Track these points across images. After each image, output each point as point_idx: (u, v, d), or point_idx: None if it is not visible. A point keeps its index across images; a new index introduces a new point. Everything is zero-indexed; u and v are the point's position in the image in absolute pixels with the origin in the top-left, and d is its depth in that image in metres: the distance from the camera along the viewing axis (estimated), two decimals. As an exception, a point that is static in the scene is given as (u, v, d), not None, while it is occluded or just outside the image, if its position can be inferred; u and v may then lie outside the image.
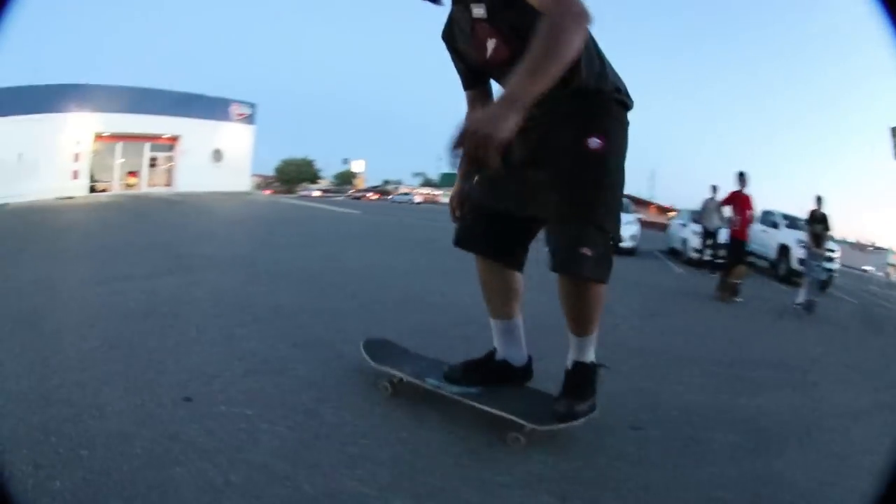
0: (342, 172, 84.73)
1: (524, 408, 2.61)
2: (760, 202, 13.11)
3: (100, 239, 11.07)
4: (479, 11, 2.30)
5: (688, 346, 5.68)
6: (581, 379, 2.61)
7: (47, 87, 29.52)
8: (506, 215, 2.59)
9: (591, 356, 2.64)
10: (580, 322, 2.55)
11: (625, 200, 18.07)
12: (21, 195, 23.95)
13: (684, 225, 16.99)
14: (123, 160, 34.85)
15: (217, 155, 38.37)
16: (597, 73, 2.38)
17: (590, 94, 2.38)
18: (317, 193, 61.09)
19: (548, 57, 1.86)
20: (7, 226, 13.32)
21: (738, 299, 8.75)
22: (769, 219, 16.19)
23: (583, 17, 1.94)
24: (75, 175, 30.26)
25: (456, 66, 2.68)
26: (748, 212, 9.79)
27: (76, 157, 30.35)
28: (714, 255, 13.37)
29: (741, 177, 9.70)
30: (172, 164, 37.48)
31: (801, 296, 8.95)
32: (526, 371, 2.94)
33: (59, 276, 6.42)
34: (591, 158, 2.33)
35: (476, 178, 2.75)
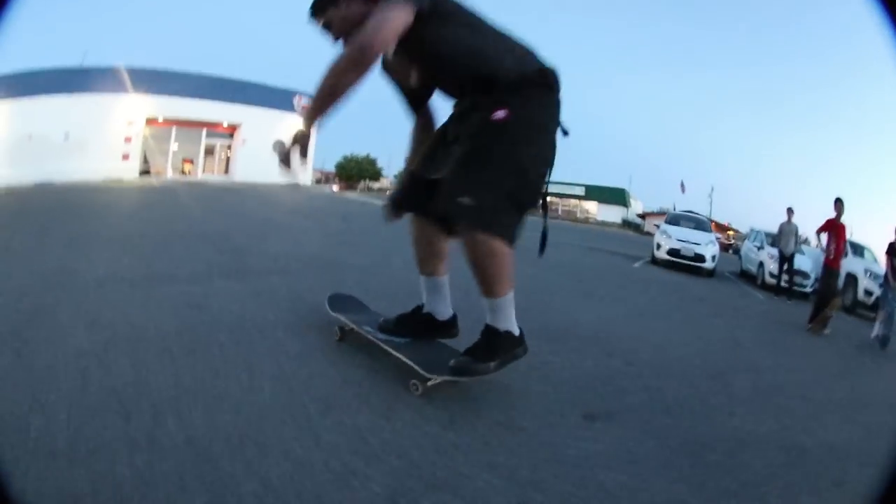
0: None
1: (432, 360, 2.82)
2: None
3: (141, 224, 9.46)
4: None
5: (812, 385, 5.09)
6: (486, 342, 2.73)
7: (97, 68, 29.06)
8: (437, 181, 2.68)
9: (505, 324, 2.72)
10: (483, 281, 2.63)
11: (704, 219, 19.48)
12: (67, 174, 23.45)
13: (760, 247, 16.26)
14: (178, 146, 34.09)
15: (278, 145, 36.75)
16: (497, 70, 2.60)
17: (498, 86, 2.58)
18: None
19: (326, 85, 2.52)
20: (43, 203, 11.97)
21: (826, 332, 8.39)
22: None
23: (365, 52, 2.47)
24: (126, 157, 29.62)
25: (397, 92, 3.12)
26: (843, 241, 9.47)
27: (127, 140, 29.73)
28: (790, 282, 13.04)
29: (838, 203, 9.35)
30: (230, 152, 36.65)
31: (877, 329, 8.41)
32: (450, 325, 3.17)
33: (80, 271, 4.71)
34: (492, 126, 2.53)
35: (417, 155, 3.01)
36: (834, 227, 9.34)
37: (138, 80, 29.63)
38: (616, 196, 71.92)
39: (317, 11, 2.77)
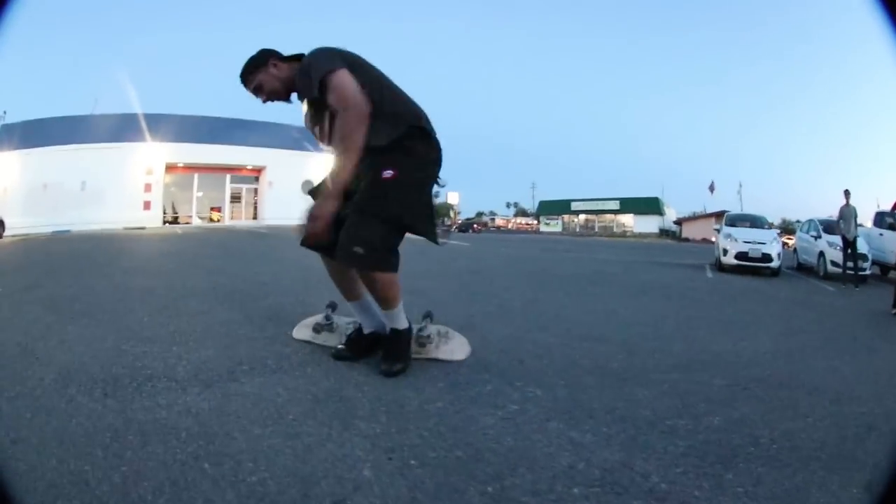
0: (438, 205, 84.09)
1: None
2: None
3: (148, 274, 7.63)
4: (304, 108, 3.20)
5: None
6: (396, 343, 3.25)
7: (111, 116, 28.94)
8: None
9: (401, 323, 3.25)
10: (380, 300, 3.18)
11: (758, 216, 18.03)
12: (87, 223, 22.98)
13: (817, 237, 15.48)
14: (202, 193, 33.23)
15: (307, 185, 36.18)
16: (387, 132, 3.00)
17: (386, 145, 2.99)
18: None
19: (344, 151, 2.88)
20: (51, 250, 11.49)
21: None
22: (886, 221, 15.15)
23: (359, 111, 2.86)
24: (147, 206, 29.06)
25: None
26: None
27: (147, 188, 29.25)
28: (854, 268, 12.55)
29: None
30: (257, 196, 35.86)
31: None
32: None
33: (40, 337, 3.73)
34: (382, 184, 2.97)
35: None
36: None
37: (154, 126, 29.20)
38: (651, 206, 71.51)
39: (247, 77, 3.17)
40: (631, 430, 2.53)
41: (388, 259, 3.08)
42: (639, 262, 17.91)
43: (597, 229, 72.71)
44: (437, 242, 3.38)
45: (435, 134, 3.23)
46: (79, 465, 1.92)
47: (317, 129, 3.18)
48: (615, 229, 71.88)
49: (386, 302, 3.16)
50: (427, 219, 3.26)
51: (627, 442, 2.39)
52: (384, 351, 3.25)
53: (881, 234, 14.85)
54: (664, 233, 68.26)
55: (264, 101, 3.18)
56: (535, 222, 73.72)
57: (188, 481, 1.85)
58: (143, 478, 1.85)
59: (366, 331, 3.45)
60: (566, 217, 77.93)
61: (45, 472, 1.89)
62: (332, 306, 3.82)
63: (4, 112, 28.64)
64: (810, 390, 3.48)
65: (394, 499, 1.86)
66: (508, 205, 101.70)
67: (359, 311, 3.46)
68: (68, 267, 8.19)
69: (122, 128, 28.13)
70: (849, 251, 12.58)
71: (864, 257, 13.15)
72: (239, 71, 3.16)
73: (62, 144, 25.91)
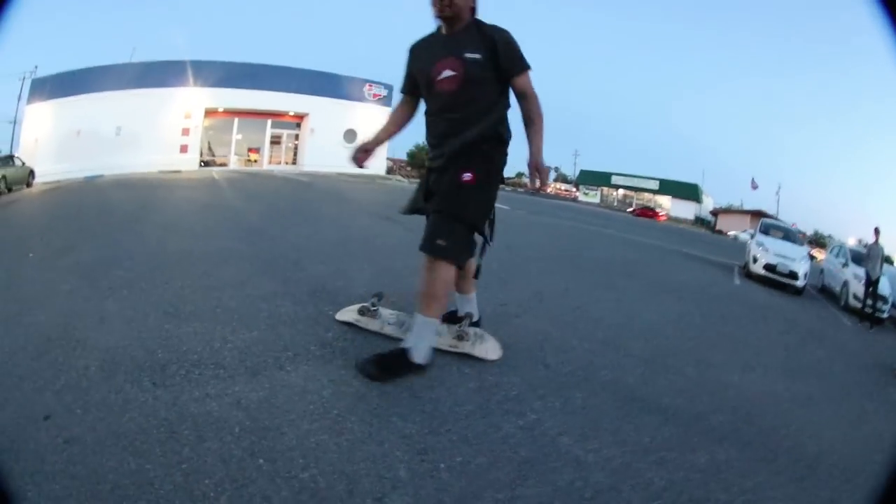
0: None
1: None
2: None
3: (182, 234, 7.44)
4: (474, 56, 3.28)
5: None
6: (394, 361, 3.22)
7: (149, 63, 28.95)
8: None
9: (417, 355, 3.24)
10: (426, 296, 3.28)
11: (792, 229, 18.74)
12: (120, 167, 23.26)
13: (845, 264, 15.51)
14: (241, 136, 33.42)
15: (350, 135, 35.61)
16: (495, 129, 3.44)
17: (472, 142, 3.36)
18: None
19: (542, 129, 3.32)
20: (83, 202, 10.92)
21: None
22: None
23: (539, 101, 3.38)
24: (184, 149, 29.30)
25: (405, 75, 3.64)
26: None
27: (185, 132, 29.44)
28: (873, 307, 12.44)
29: None
30: (297, 142, 35.98)
31: None
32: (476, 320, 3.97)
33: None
34: (461, 186, 3.28)
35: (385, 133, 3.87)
36: None
37: (195, 72, 29.38)
38: (689, 191, 70.76)
39: None
40: (628, 455, 2.78)
41: (466, 251, 3.41)
42: (671, 251, 18.02)
43: (634, 206, 71.26)
44: (489, 243, 3.63)
45: (510, 141, 3.53)
46: (139, 463, 2.04)
47: (431, 65, 3.38)
48: (656, 208, 70.74)
49: (431, 301, 3.28)
50: (490, 223, 3.57)
51: (622, 468, 2.65)
52: (381, 354, 3.27)
53: None
54: (699, 221, 67.60)
55: (438, 14, 3.31)
56: (575, 190, 72.85)
57: (246, 478, 2.03)
58: (204, 475, 2.01)
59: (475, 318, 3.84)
60: (605, 189, 76.93)
61: (105, 473, 1.98)
62: (379, 296, 3.95)
63: (36, 67, 29.05)
64: (794, 445, 3.63)
65: (424, 499, 2.09)
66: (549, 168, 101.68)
67: (463, 303, 3.86)
68: (100, 223, 8.18)
69: (160, 74, 28.31)
70: (870, 289, 12.63)
71: (884, 300, 13.12)
72: None
73: (97, 92, 26.07)
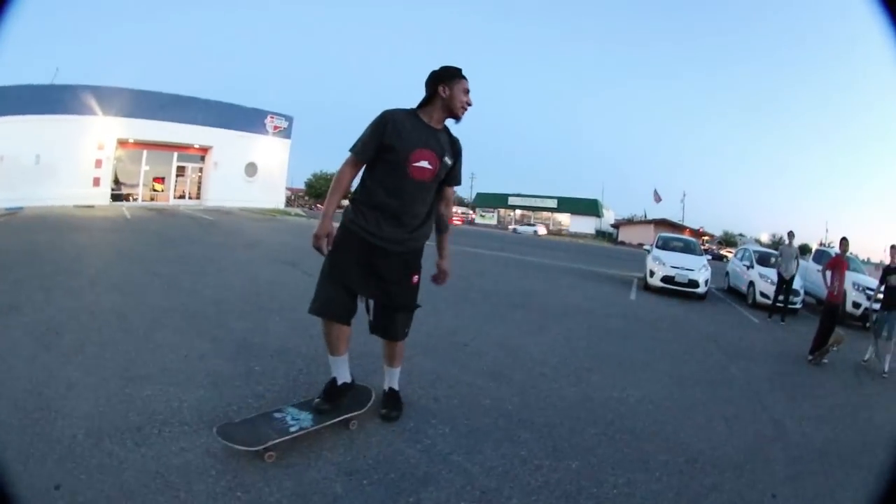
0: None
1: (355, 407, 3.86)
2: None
3: (113, 289, 7.64)
4: (448, 161, 3.67)
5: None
6: (397, 398, 4.08)
7: (69, 87, 27.49)
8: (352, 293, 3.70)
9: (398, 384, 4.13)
10: (398, 357, 4.03)
11: (693, 241, 18.90)
12: (39, 199, 22.42)
13: (750, 266, 16.28)
14: (148, 167, 32.53)
15: (251, 168, 35.94)
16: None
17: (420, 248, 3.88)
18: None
19: (448, 228, 4.03)
20: (8, 245, 11.10)
21: (825, 361, 8.61)
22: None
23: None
24: (96, 182, 28.15)
25: (370, 139, 3.54)
26: (844, 277, 9.70)
27: (98, 163, 28.28)
28: (785, 302, 13.16)
29: (843, 242, 10.07)
30: (201, 174, 35.20)
31: (870, 353, 9.08)
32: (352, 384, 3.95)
33: None
34: (414, 287, 3.85)
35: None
36: (838, 265, 9.55)
37: (109, 99, 28.19)
38: (589, 207, 71.94)
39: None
40: (508, 464, 3.51)
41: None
42: (567, 270, 18.51)
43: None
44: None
45: None
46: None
47: (409, 151, 3.55)
48: (551, 227, 72.06)
49: (401, 358, 4.04)
50: None
51: (503, 474, 3.38)
52: (391, 401, 4.02)
53: (818, 271, 14.92)
54: (600, 234, 69.18)
55: (459, 116, 3.68)
56: (472, 213, 73.50)
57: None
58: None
59: (340, 381, 3.80)
60: (502, 210, 77.71)
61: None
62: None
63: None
64: (672, 446, 4.15)
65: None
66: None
67: (338, 364, 3.80)
68: (35, 275, 8.04)
69: (78, 100, 26.99)
70: (783, 286, 13.18)
71: (795, 292, 13.77)
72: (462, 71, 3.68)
73: (19, 115, 24.65)
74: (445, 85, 3.59)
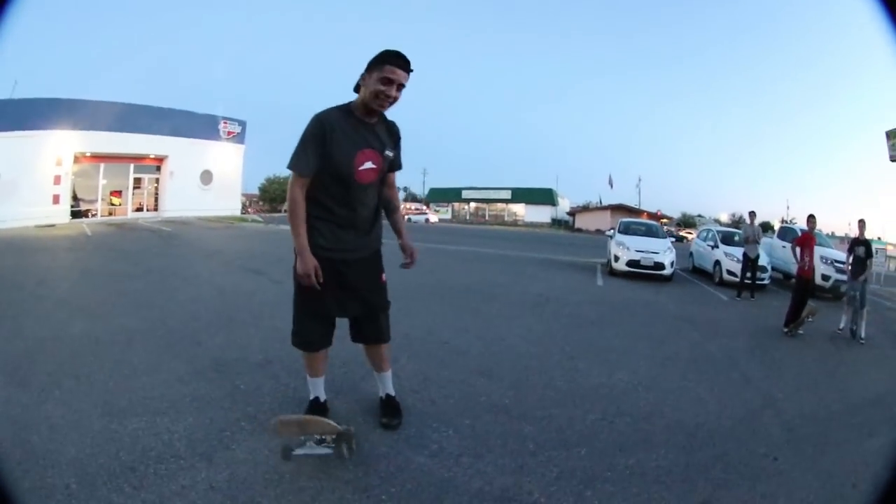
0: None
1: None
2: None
3: (81, 312, 7.27)
4: (389, 154, 3.41)
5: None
6: (396, 405, 3.89)
7: (26, 101, 26.12)
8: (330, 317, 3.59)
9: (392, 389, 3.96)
10: (387, 361, 3.86)
11: (654, 225, 19.00)
12: (1, 219, 21.48)
13: (714, 246, 16.28)
14: (106, 182, 31.28)
15: (206, 176, 34.84)
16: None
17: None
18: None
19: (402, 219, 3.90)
20: None
21: (800, 332, 8.84)
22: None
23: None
24: (56, 200, 26.88)
25: (312, 151, 3.17)
26: (813, 252, 9.87)
27: (56, 180, 26.98)
28: (752, 278, 13.12)
29: (811, 219, 10.22)
30: (158, 185, 33.97)
31: (844, 322, 9.38)
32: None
33: None
34: (384, 285, 3.67)
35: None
36: (807, 241, 9.72)
37: (67, 112, 26.98)
38: (543, 196, 71.62)
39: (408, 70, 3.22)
40: (520, 460, 3.41)
41: None
42: (530, 260, 18.35)
43: (487, 217, 72.53)
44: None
45: None
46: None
47: (352, 154, 3.25)
48: (506, 218, 72.02)
49: (388, 362, 3.88)
50: None
51: (517, 469, 3.28)
52: (390, 409, 3.85)
53: (784, 247, 15.43)
54: (556, 223, 69.09)
55: (393, 101, 3.20)
56: (426, 208, 72.31)
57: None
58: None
59: (322, 399, 3.81)
60: (456, 205, 77.19)
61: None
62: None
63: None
64: (669, 424, 4.18)
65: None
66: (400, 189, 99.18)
67: (319, 385, 3.79)
68: (2, 302, 7.60)
69: (35, 114, 25.69)
70: (750, 264, 13.19)
71: (763, 269, 13.90)
72: (406, 59, 3.13)
73: None
74: (367, 73, 3.15)
